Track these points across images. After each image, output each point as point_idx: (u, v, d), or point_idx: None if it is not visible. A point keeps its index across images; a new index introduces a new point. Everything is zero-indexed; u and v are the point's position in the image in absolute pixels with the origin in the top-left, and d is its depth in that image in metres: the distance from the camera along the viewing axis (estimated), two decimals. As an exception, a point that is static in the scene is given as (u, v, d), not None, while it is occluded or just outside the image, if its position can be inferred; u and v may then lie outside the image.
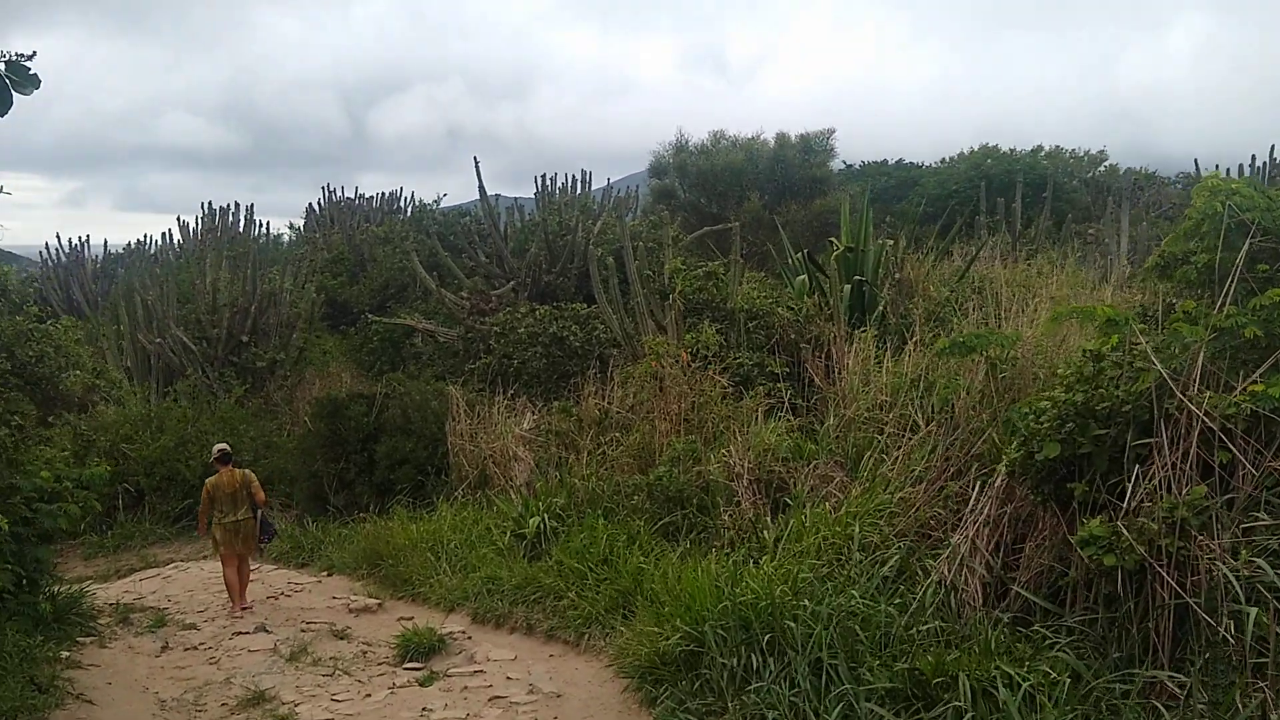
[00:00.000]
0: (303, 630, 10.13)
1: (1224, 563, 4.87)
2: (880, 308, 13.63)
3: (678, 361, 10.85)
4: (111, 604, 10.84)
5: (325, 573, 12.56)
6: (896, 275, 14.26)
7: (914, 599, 6.50)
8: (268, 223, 35.16)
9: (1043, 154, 34.28)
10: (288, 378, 19.44)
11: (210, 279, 20.20)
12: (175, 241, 34.43)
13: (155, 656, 9.47)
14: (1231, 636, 4.68)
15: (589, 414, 12.17)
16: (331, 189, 35.39)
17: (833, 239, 16.39)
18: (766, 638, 6.54)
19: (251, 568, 11.55)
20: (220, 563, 10.97)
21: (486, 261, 19.36)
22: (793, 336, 13.07)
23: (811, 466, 9.17)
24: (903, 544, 7.24)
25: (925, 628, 6.19)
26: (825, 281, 14.51)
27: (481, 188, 18.37)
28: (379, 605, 10.77)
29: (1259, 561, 4.81)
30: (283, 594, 11.69)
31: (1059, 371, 5.96)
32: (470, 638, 9.34)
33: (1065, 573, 5.87)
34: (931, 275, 14.76)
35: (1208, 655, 4.75)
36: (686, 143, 24.96)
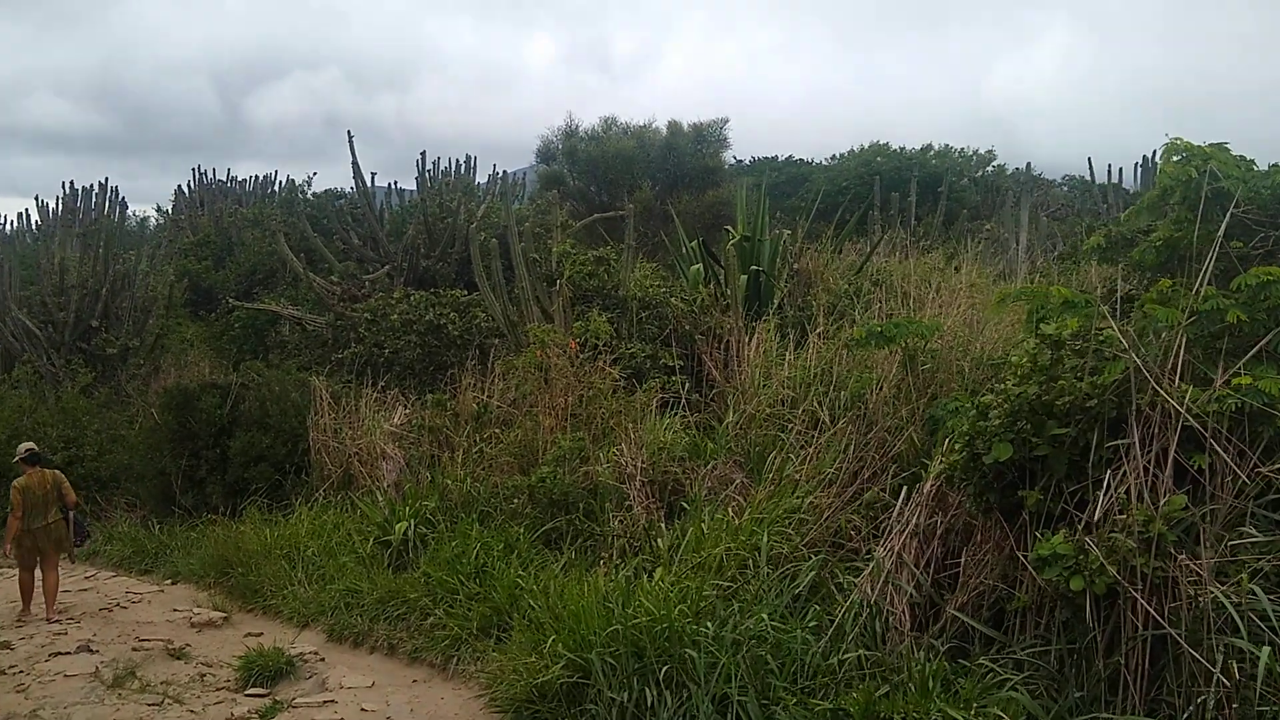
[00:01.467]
0: (134, 649, 8.86)
1: (1210, 587, 4.09)
2: (777, 299, 12.89)
3: (565, 352, 9.87)
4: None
5: (169, 581, 11.28)
6: (795, 266, 13.53)
7: (831, 621, 5.64)
8: (125, 202, 32.95)
9: (932, 153, 34.28)
10: (141, 366, 17.90)
11: (58, 258, 18.50)
12: (34, 223, 32.21)
13: (-52, 684, 8.15)
14: (1226, 678, 3.89)
15: (466, 408, 11.11)
16: (202, 170, 33.58)
17: (728, 228, 15.65)
18: (663, 669, 5.61)
19: (85, 574, 10.30)
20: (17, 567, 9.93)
21: (360, 245, 18.09)
22: (687, 328, 12.22)
23: (710, 467, 8.31)
24: (815, 556, 6.38)
25: (847, 657, 5.32)
26: (721, 271, 13.75)
27: (356, 164, 17.13)
28: (225, 619, 9.58)
29: (1254, 587, 4.05)
30: (118, 605, 10.38)
31: (1012, 359, 5.11)
32: (324, 659, 8.24)
33: (1010, 594, 5.05)
34: (830, 268, 14.07)
35: (1201, 699, 3.95)
36: (577, 128, 23.97)
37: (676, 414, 9.57)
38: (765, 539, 6.47)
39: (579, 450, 8.78)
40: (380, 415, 12.37)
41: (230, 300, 18.45)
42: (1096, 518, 4.50)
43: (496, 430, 10.58)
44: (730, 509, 7.45)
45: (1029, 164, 28.29)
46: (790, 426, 8.62)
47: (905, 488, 6.09)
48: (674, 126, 23.79)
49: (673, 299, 12.74)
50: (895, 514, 5.91)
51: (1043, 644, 4.78)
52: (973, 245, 15.63)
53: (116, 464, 13.74)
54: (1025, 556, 4.72)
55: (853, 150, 36.62)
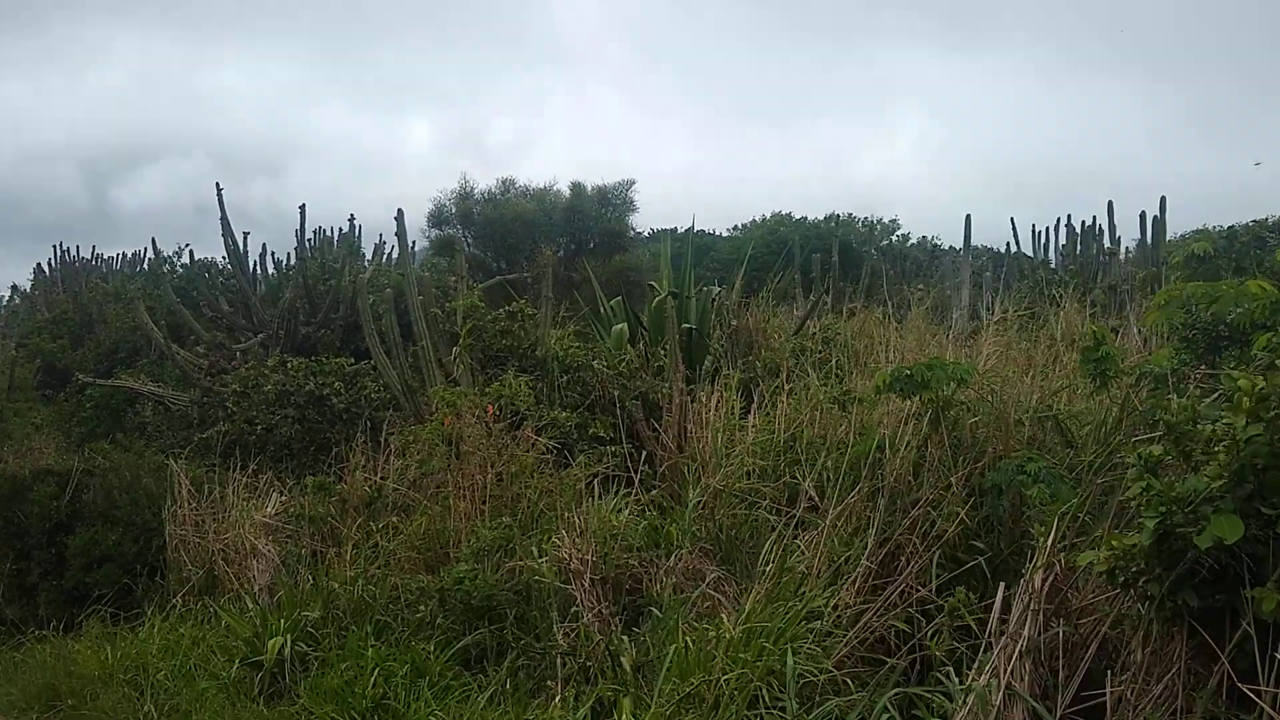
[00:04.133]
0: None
1: None
2: (708, 359, 11.33)
3: (481, 418, 8.03)
4: None
5: (-18, 718, 8.98)
6: (733, 323, 11.97)
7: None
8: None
9: (836, 222, 33.61)
10: (-31, 455, 15.37)
11: None
12: None
13: None
14: None
15: (356, 492, 9.14)
16: (64, 248, 30.86)
17: (651, 284, 14.10)
18: None
19: None
20: None
21: (230, 311, 15.96)
22: (616, 393, 10.50)
23: (674, 559, 6.54)
24: (862, 684, 4.63)
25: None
26: (645, 334, 12.16)
27: (225, 219, 15.07)
28: (45, 771, 7.43)
29: None
30: (-99, 754, 8.12)
31: (1241, 388, 3.43)
32: (168, 834, 6.19)
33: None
34: (771, 324, 12.56)
35: None
36: (472, 190, 22.19)
37: (617, 494, 7.77)
38: (789, 659, 4.68)
39: (505, 540, 6.91)
40: (251, 504, 10.29)
41: (80, 377, 16.06)
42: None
43: (394, 518, 8.64)
44: (713, 615, 5.68)
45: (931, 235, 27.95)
46: (764, 504, 6.98)
47: (1003, 587, 4.39)
48: (577, 189, 22.23)
49: (594, 362, 11.03)
50: (991, 625, 4.21)
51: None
52: (916, 304, 14.34)
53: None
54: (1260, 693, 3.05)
55: (754, 220, 35.83)
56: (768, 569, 5.74)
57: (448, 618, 6.84)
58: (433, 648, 6.61)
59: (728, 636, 5.22)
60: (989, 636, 4.22)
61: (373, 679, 6.40)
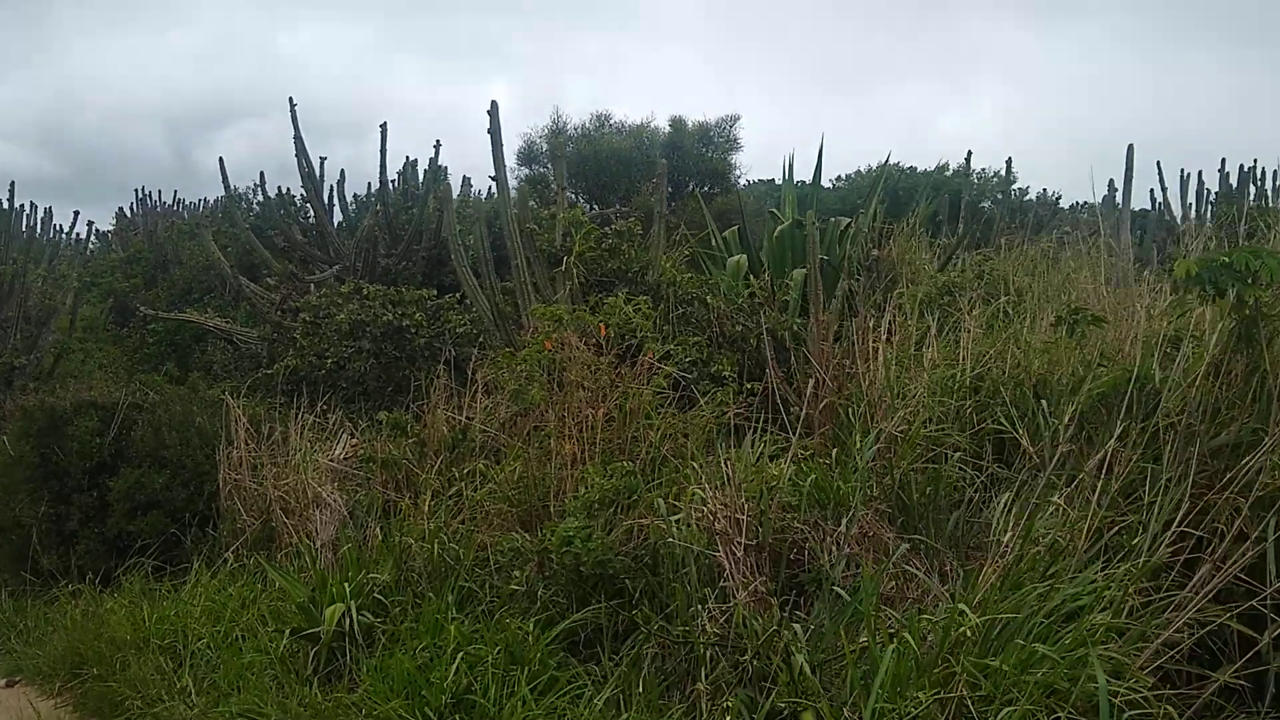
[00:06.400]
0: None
1: None
2: (841, 292, 9.72)
3: (594, 339, 6.47)
4: None
5: (6, 680, 7.74)
6: (874, 253, 10.26)
7: None
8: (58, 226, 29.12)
9: (950, 172, 31.58)
10: (33, 389, 14.23)
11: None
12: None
13: None
14: None
15: (437, 433, 7.68)
16: (146, 192, 30.00)
17: (772, 210, 12.46)
18: None
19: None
20: None
21: (304, 240, 14.63)
22: (740, 328, 8.91)
23: (845, 522, 4.93)
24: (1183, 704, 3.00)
25: None
26: (765, 266, 10.57)
27: (299, 137, 13.66)
28: (66, 750, 6.14)
29: None
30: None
31: None
32: None
33: None
34: (914, 255, 10.82)
35: None
36: (565, 125, 20.64)
37: (758, 439, 6.15)
38: (1100, 674, 3.05)
39: (626, 491, 5.35)
40: (316, 447, 8.90)
41: (143, 310, 14.86)
42: None
43: (482, 464, 7.15)
44: (903, 600, 4.08)
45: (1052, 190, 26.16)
46: (954, 456, 5.36)
47: None
48: (677, 124, 20.56)
49: (708, 296, 9.44)
50: None
51: None
52: (1084, 243, 12.51)
53: (-37, 511, 10.14)
54: None
55: (859, 171, 33.94)
56: (1002, 540, 4.11)
57: (549, 588, 5.32)
58: (531, 626, 5.09)
59: (960, 633, 3.62)
60: None
61: (454, 665, 4.91)
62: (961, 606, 3.67)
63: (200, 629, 6.98)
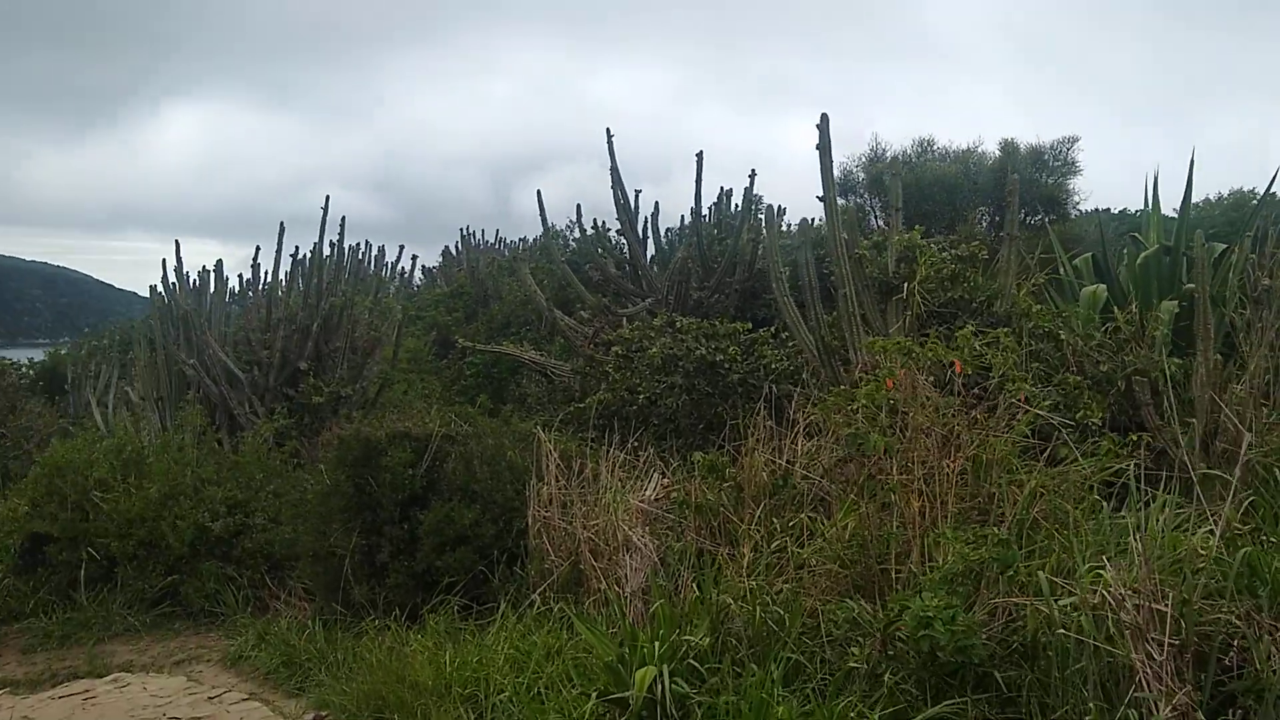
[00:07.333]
0: None
1: None
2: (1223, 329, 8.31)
3: (947, 375, 5.56)
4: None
5: (314, 715, 7.60)
6: (1265, 283, 8.72)
7: None
8: (381, 256, 30.93)
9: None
10: (356, 419, 14.69)
11: (266, 287, 15.79)
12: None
13: None
14: None
15: (755, 477, 6.95)
16: (469, 230, 31.51)
17: (1134, 234, 11.05)
18: None
19: (211, 688, 6.79)
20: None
21: (618, 274, 14.40)
22: (1104, 369, 7.69)
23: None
24: None
25: None
26: (1127, 295, 9.25)
27: (615, 169, 13.44)
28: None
29: None
30: (237, 753, 6.85)
31: None
32: None
33: None
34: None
35: None
36: (884, 153, 19.62)
37: (1150, 505, 4.99)
38: None
39: (1003, 565, 4.39)
40: (627, 485, 8.38)
41: (461, 342, 15.11)
42: None
43: (806, 515, 6.35)
44: None
45: None
46: None
47: None
48: (1008, 147, 19.10)
49: (1062, 331, 8.25)
50: None
51: None
52: None
53: (286, 539, 10.34)
54: None
55: (1208, 199, 30.84)
56: None
57: (896, 672, 4.44)
58: (876, 717, 4.22)
59: None
60: None
61: (783, 758, 4.12)
62: None
63: (503, 680, 6.54)
